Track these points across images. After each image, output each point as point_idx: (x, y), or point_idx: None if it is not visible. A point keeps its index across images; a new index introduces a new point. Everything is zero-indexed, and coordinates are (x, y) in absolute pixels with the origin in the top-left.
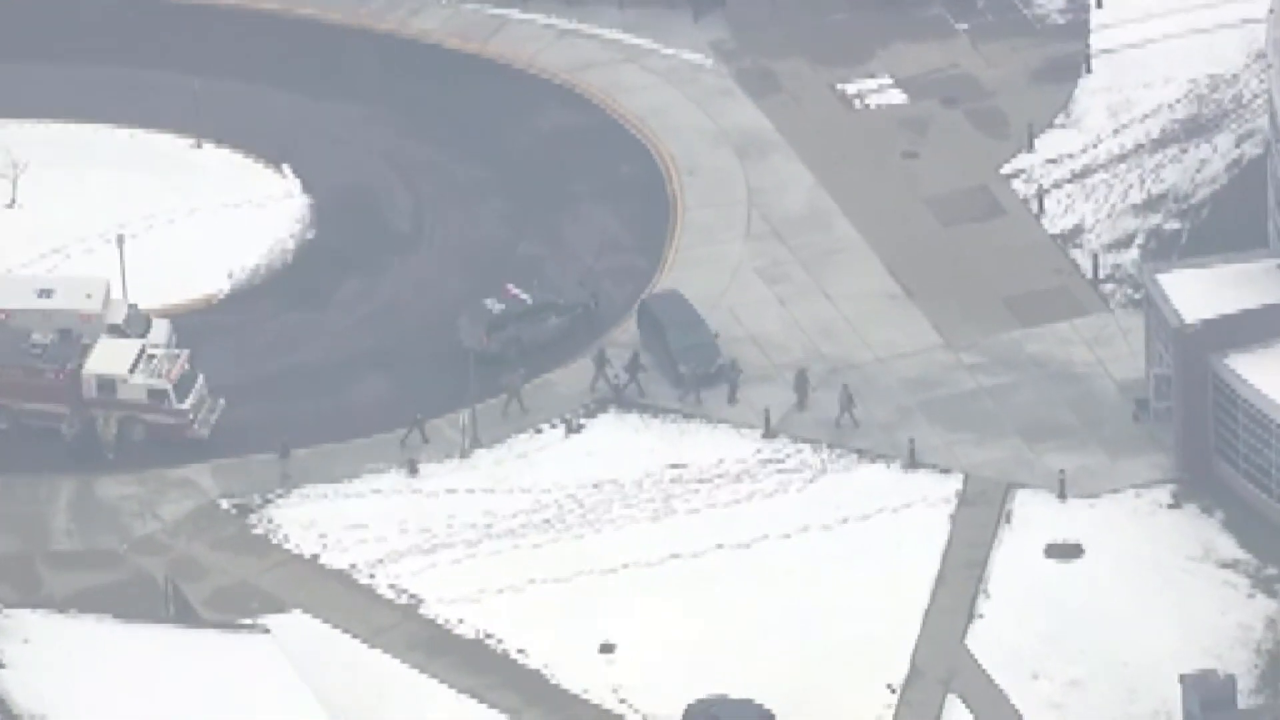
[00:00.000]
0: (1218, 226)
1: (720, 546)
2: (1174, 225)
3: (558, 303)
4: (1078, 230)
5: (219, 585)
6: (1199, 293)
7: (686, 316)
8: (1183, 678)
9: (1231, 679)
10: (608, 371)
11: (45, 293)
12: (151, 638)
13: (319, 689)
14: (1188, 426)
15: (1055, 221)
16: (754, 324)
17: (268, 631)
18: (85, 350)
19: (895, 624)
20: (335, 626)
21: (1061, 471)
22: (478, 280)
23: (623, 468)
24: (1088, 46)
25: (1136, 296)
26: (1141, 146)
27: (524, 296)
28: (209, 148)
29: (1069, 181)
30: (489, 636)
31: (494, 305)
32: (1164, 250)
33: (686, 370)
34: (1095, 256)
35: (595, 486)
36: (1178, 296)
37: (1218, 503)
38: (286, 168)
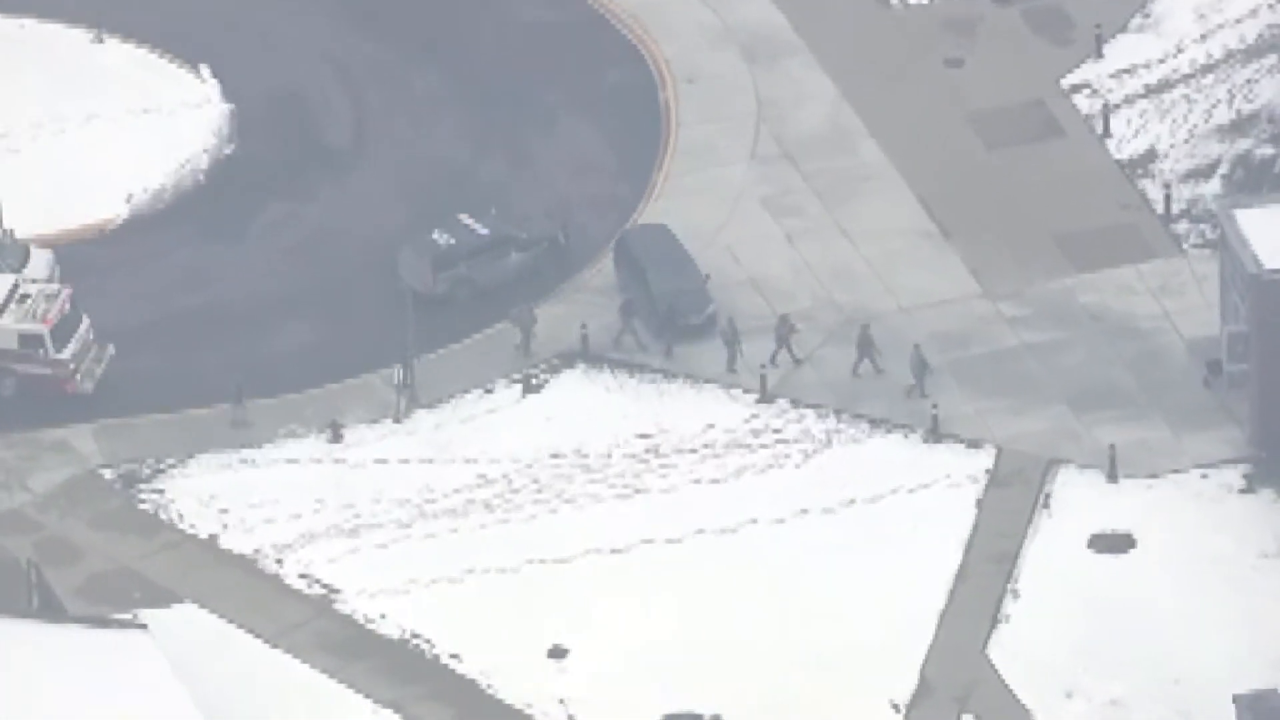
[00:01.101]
0: None
1: (700, 532)
2: (1266, 151)
3: (520, 236)
4: (1150, 156)
5: (95, 571)
6: None
7: (672, 255)
8: (1237, 698)
9: None
10: (635, 325)
11: None
12: (2, 634)
13: (207, 699)
14: (1266, 395)
15: (1123, 145)
16: (755, 265)
17: (145, 628)
18: None
19: (904, 629)
20: (232, 623)
21: (1112, 447)
22: (427, 208)
23: (588, 435)
24: None
25: (1214, 237)
26: (1232, 55)
27: (479, 228)
28: (112, 43)
29: (1142, 97)
30: (417, 637)
31: (443, 238)
32: (1252, 181)
33: (668, 319)
34: (1168, 188)
35: (554, 458)
36: (1259, 237)
37: None
38: (204, 69)
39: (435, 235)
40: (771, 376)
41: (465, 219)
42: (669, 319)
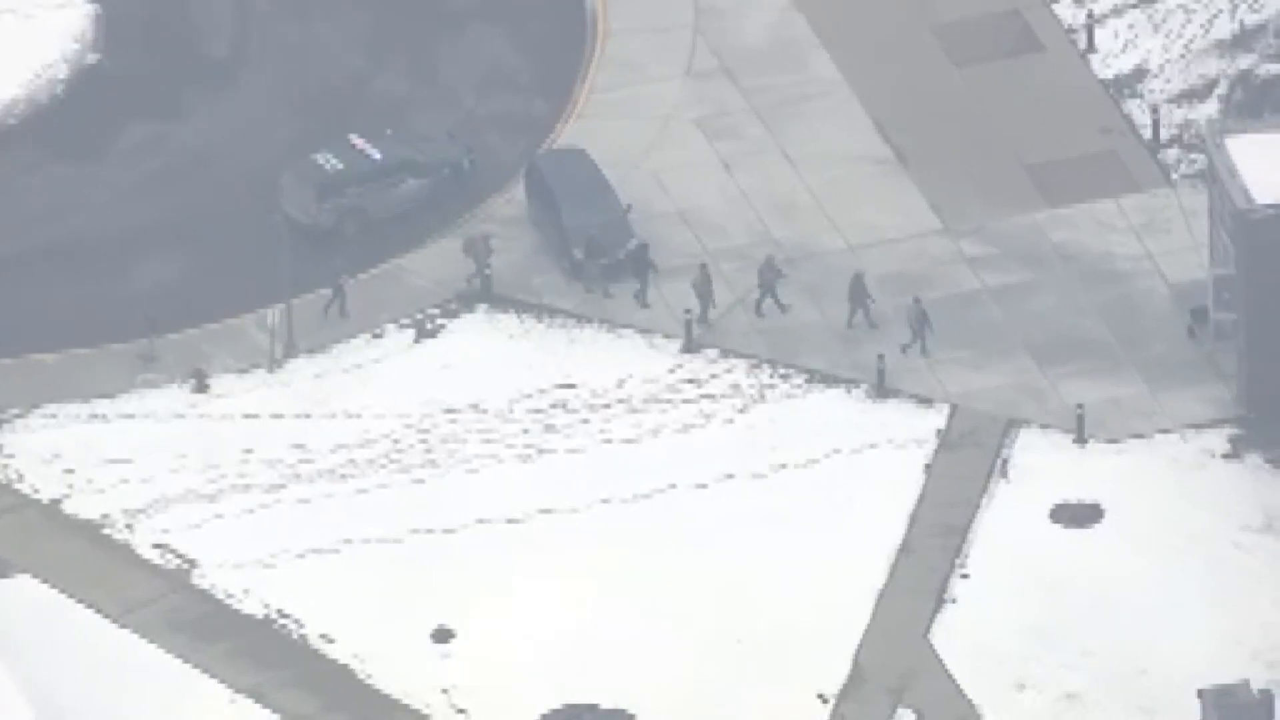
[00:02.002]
0: None
1: (610, 500)
2: (1271, 69)
3: (417, 160)
4: (1138, 74)
5: None
6: None
7: (589, 183)
8: (1202, 693)
9: (1268, 696)
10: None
11: None
12: None
13: (39, 685)
14: (1255, 348)
15: (1109, 62)
16: (685, 195)
17: None
18: None
19: (837, 610)
20: (73, 598)
21: (1080, 406)
22: (314, 127)
23: (488, 388)
24: None
25: (1206, 167)
26: None
27: (371, 151)
28: None
29: (1133, 7)
30: (284, 616)
31: (329, 162)
32: (1253, 104)
33: (584, 256)
34: (1156, 111)
35: (448, 413)
36: (1251, 167)
37: None
38: None
39: (320, 159)
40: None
41: (356, 140)
42: (587, 255)
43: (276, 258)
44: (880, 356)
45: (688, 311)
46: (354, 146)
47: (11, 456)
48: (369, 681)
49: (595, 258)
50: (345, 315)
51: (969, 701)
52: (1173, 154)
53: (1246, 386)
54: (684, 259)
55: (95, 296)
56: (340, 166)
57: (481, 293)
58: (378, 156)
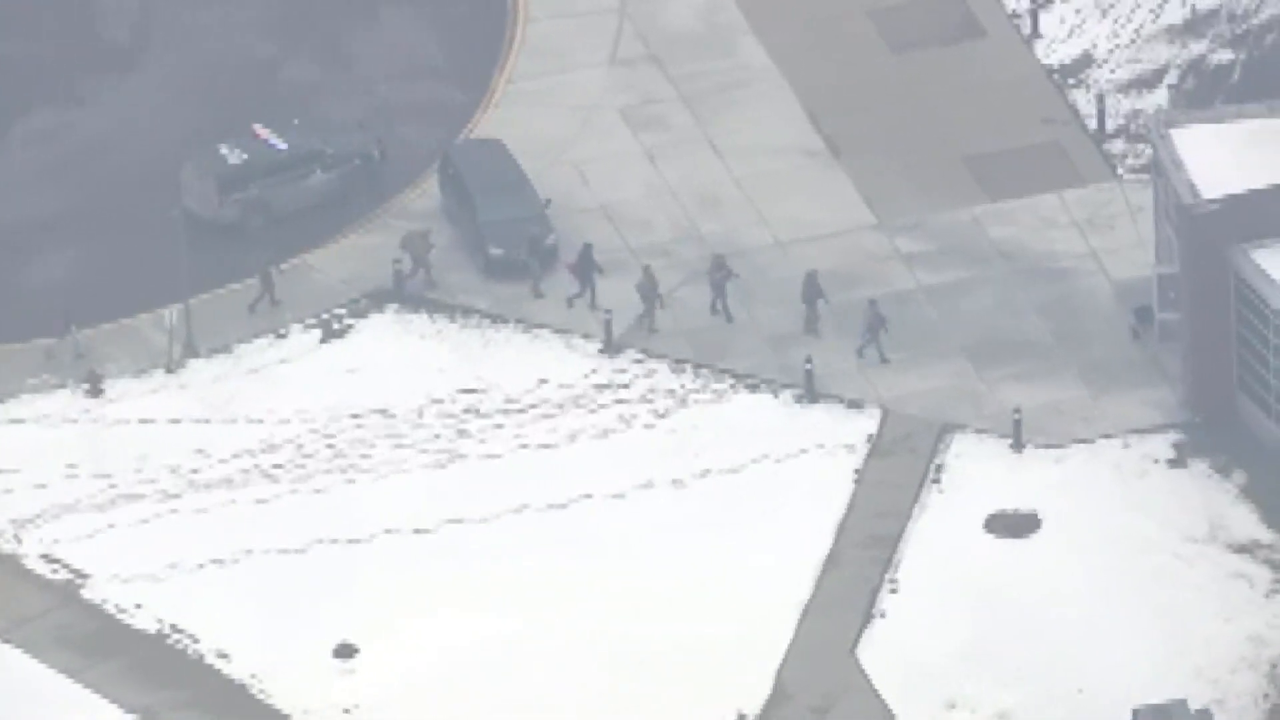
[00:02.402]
0: None
1: (523, 509)
2: (1224, 57)
3: (325, 152)
4: (1085, 61)
5: None
6: (1229, 156)
7: (504, 176)
8: (1136, 712)
9: (1206, 716)
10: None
11: None
12: None
13: None
14: (1200, 349)
15: (1054, 49)
16: (608, 189)
17: None
18: None
19: (760, 625)
20: None
21: (1017, 410)
22: (220, 116)
23: (397, 391)
24: None
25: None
26: None
27: (276, 142)
28: None
29: None
30: (178, 632)
31: (232, 153)
32: (1205, 93)
33: (499, 252)
34: (1101, 100)
35: (355, 418)
36: (1197, 160)
37: (1238, 459)
38: None
39: (223, 150)
40: (618, 322)
41: (260, 130)
42: (530, 251)
43: (175, 254)
44: (808, 359)
45: (607, 312)
46: (258, 137)
47: None
48: (266, 700)
49: (510, 253)
50: (277, 304)
51: None
52: (1119, 145)
53: (1192, 390)
54: (604, 255)
55: None
56: (244, 158)
57: (394, 291)
58: (283, 147)
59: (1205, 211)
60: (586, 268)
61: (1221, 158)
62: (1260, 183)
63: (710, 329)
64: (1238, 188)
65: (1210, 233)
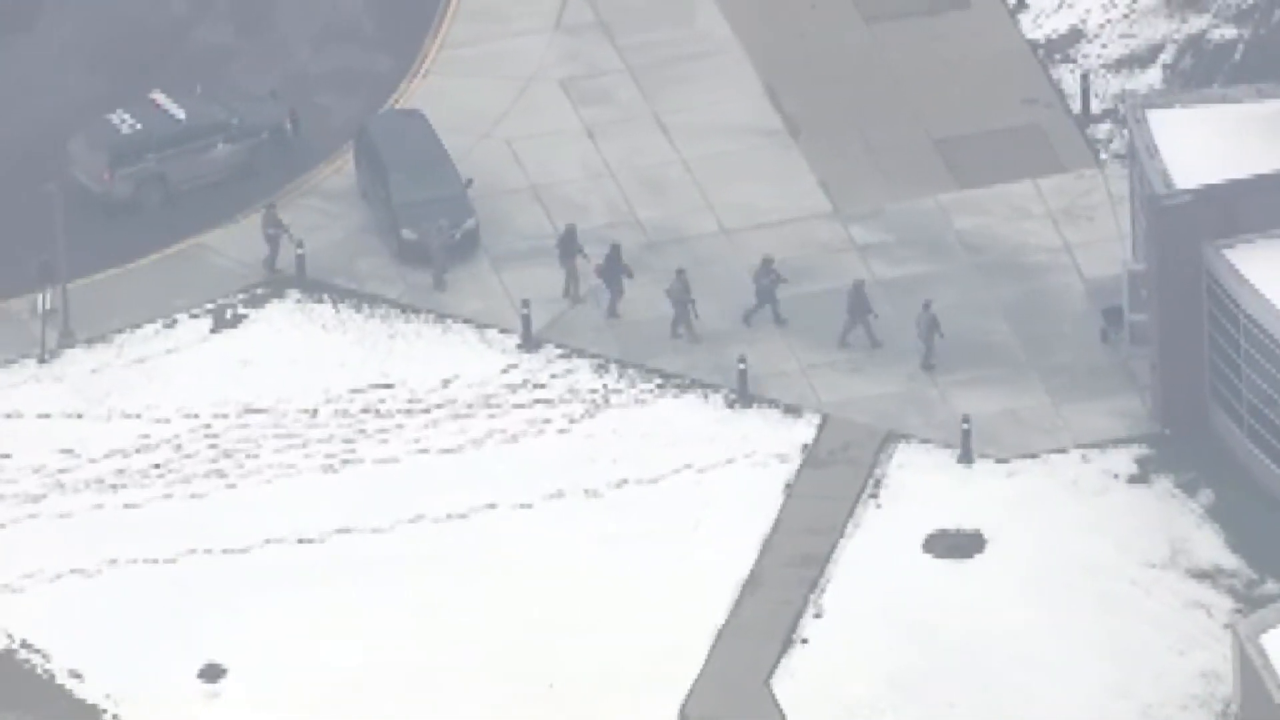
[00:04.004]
0: None
1: (420, 519)
2: (1226, 33)
3: (230, 122)
4: (1074, 36)
5: None
6: (1211, 143)
7: (423, 152)
8: None
9: None
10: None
11: None
12: None
13: None
14: (1169, 355)
15: (1041, 21)
16: (541, 168)
17: None
18: None
19: (668, 651)
20: None
21: (965, 419)
22: (120, 83)
23: (291, 387)
24: None
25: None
26: None
27: (175, 111)
28: None
29: None
30: (27, 648)
31: (125, 123)
32: (1203, 72)
33: (413, 236)
34: (1086, 79)
35: (243, 415)
36: (1175, 147)
37: (1206, 477)
38: None
39: (115, 119)
40: (540, 315)
41: (158, 98)
42: (417, 233)
43: (52, 232)
44: (741, 359)
45: (525, 304)
46: (156, 105)
47: None
48: None
49: (426, 237)
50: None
51: None
52: (1104, 129)
53: (1160, 400)
54: (527, 241)
55: None
56: (137, 128)
57: (296, 277)
58: (181, 117)
59: (1175, 204)
60: (614, 271)
61: (1202, 145)
62: (1241, 173)
63: (638, 323)
64: (1216, 178)
65: (1181, 227)
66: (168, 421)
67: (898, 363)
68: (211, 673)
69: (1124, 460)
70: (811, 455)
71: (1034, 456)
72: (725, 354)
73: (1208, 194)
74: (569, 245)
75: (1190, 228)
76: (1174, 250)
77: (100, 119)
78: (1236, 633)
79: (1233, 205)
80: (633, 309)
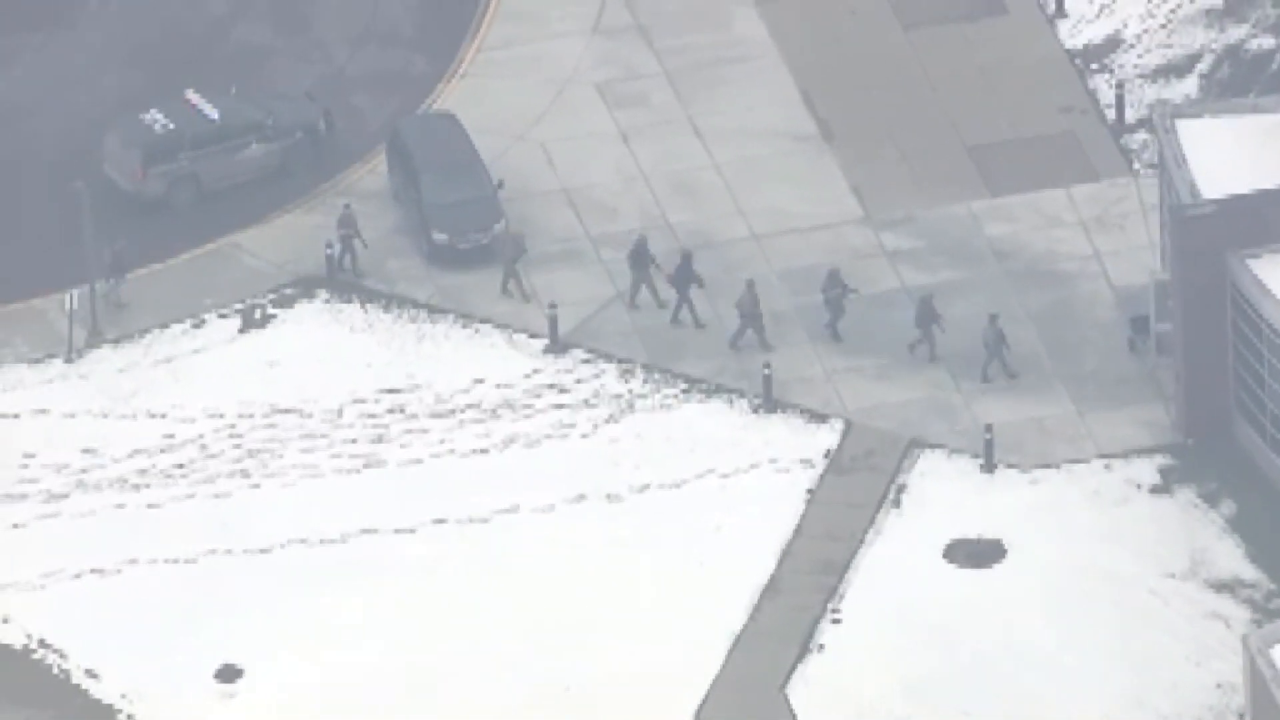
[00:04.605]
0: None
1: (442, 521)
2: (1265, 43)
3: (264, 122)
4: (1112, 44)
5: None
6: (1240, 153)
7: (455, 154)
8: None
9: None
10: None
11: None
12: None
13: None
14: (1193, 366)
15: (1080, 29)
16: (574, 171)
17: None
18: None
19: (685, 657)
20: None
21: (988, 428)
22: (157, 82)
23: (319, 387)
24: None
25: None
26: None
27: (208, 110)
28: None
29: None
30: (46, 647)
31: (158, 121)
32: (1241, 81)
33: (444, 237)
34: (1121, 87)
35: (269, 415)
36: (1203, 157)
37: (1229, 488)
38: None
39: (149, 117)
40: (568, 318)
41: (192, 97)
42: (447, 235)
43: (81, 230)
44: (767, 364)
45: (552, 306)
46: (189, 104)
47: None
48: None
49: (455, 239)
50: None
51: None
52: (1139, 138)
53: (1184, 410)
54: (559, 244)
55: None
56: (171, 126)
57: (325, 277)
58: (215, 116)
59: (1200, 214)
60: (686, 278)
61: (1231, 155)
62: (1267, 183)
63: (668, 328)
64: (1243, 188)
65: (1205, 237)
66: (193, 421)
67: (922, 370)
68: (228, 673)
69: (1147, 470)
70: (834, 461)
71: (1057, 466)
72: (751, 359)
73: (1232, 204)
74: (641, 255)
75: (1214, 237)
76: (1198, 260)
77: (134, 117)
78: (1247, 645)
79: (1258, 215)
80: (657, 314)
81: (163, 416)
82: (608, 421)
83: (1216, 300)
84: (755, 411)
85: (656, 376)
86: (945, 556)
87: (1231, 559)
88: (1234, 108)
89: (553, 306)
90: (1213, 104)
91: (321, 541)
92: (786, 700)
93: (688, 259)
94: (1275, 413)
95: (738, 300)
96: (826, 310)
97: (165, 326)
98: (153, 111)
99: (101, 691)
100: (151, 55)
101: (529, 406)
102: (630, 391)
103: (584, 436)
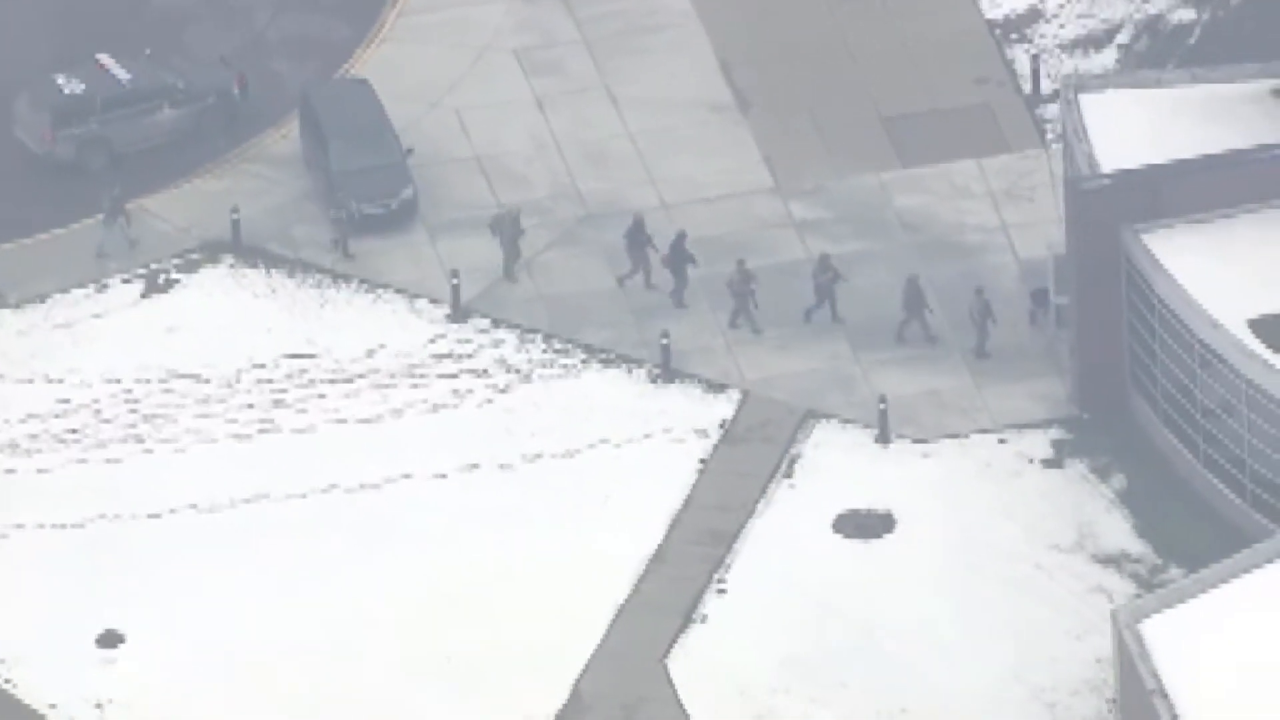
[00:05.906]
0: (1259, 18)
1: (333, 488)
2: (1185, 15)
3: (176, 86)
4: (1032, 15)
5: None
6: (1143, 127)
7: (364, 120)
8: None
9: None
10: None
11: None
12: None
13: None
14: (1088, 339)
15: (1000, 0)
16: (487, 139)
17: None
18: None
19: (567, 626)
20: None
21: (883, 399)
22: (74, 44)
23: (218, 353)
24: None
25: None
26: None
27: (120, 73)
28: None
29: None
30: None
31: (69, 84)
32: (1159, 54)
33: (350, 205)
34: (1036, 59)
35: (165, 381)
36: (1104, 130)
37: (1120, 461)
38: None
39: (60, 80)
40: (472, 286)
41: (103, 60)
42: (353, 202)
43: None
44: (664, 335)
45: (455, 274)
46: (101, 67)
47: None
48: (10, 690)
49: (361, 206)
50: (133, 245)
51: None
52: (1053, 110)
53: (1079, 383)
54: (467, 211)
55: None
56: (81, 89)
57: (231, 242)
58: (126, 79)
59: (1095, 187)
60: (680, 259)
61: (1133, 129)
62: (1166, 157)
63: (570, 295)
64: (1142, 162)
65: (1099, 211)
66: (89, 386)
67: (823, 341)
68: (109, 639)
69: (1040, 443)
70: (729, 432)
71: (952, 437)
72: (652, 328)
73: (1128, 178)
74: (638, 236)
75: (1110, 212)
76: (1093, 234)
77: (44, 79)
78: (1115, 620)
79: (1153, 190)
80: (561, 282)
81: (59, 381)
82: (505, 390)
83: (1111, 274)
84: (653, 381)
85: (557, 345)
86: (834, 528)
87: (1119, 533)
88: (1140, 81)
89: (455, 274)
90: (1118, 77)
91: (211, 508)
92: (666, 671)
93: (681, 239)
94: (1167, 387)
95: (728, 280)
96: (814, 295)
97: (66, 291)
98: (63, 74)
99: None
100: (73, 20)
101: (428, 374)
102: (530, 360)
103: (480, 405)
